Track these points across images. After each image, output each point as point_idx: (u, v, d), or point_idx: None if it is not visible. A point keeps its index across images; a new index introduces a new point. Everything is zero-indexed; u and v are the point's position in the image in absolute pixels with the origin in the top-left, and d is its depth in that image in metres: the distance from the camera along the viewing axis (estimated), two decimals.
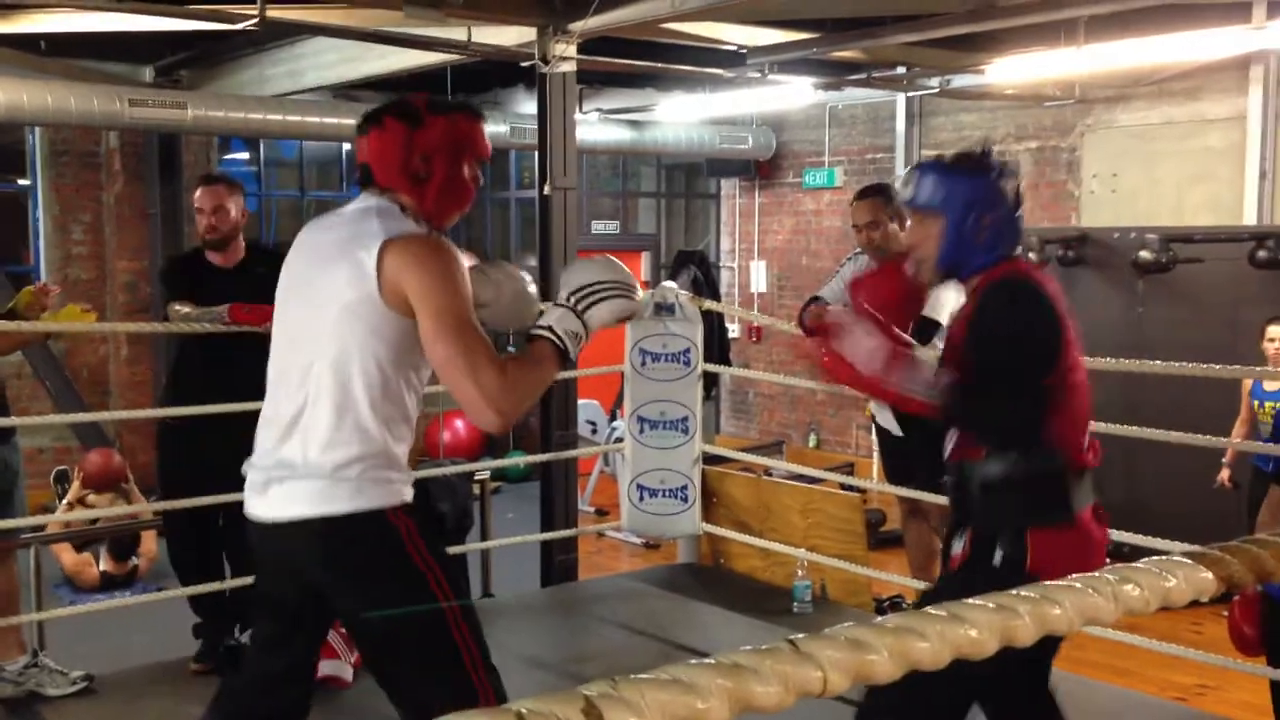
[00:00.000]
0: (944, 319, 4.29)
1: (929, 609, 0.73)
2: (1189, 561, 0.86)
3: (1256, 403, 5.62)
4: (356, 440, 2.22)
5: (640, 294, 2.37)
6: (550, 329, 2.23)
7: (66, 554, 6.68)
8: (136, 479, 9.23)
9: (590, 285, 2.27)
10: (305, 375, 2.26)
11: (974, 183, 2.50)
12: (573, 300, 2.26)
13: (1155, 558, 0.85)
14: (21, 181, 9.24)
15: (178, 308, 4.00)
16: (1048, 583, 0.78)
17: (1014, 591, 0.76)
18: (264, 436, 2.34)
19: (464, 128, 2.37)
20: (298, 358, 2.28)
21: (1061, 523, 2.39)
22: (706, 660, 0.66)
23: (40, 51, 7.71)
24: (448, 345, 2.14)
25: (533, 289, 2.55)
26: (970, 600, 0.75)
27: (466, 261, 2.38)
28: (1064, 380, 2.42)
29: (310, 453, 2.24)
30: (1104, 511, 2.52)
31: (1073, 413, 2.44)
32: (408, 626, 2.24)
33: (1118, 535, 4.20)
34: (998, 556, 2.38)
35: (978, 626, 0.73)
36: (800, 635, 0.70)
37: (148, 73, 8.88)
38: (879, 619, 0.72)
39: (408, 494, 2.30)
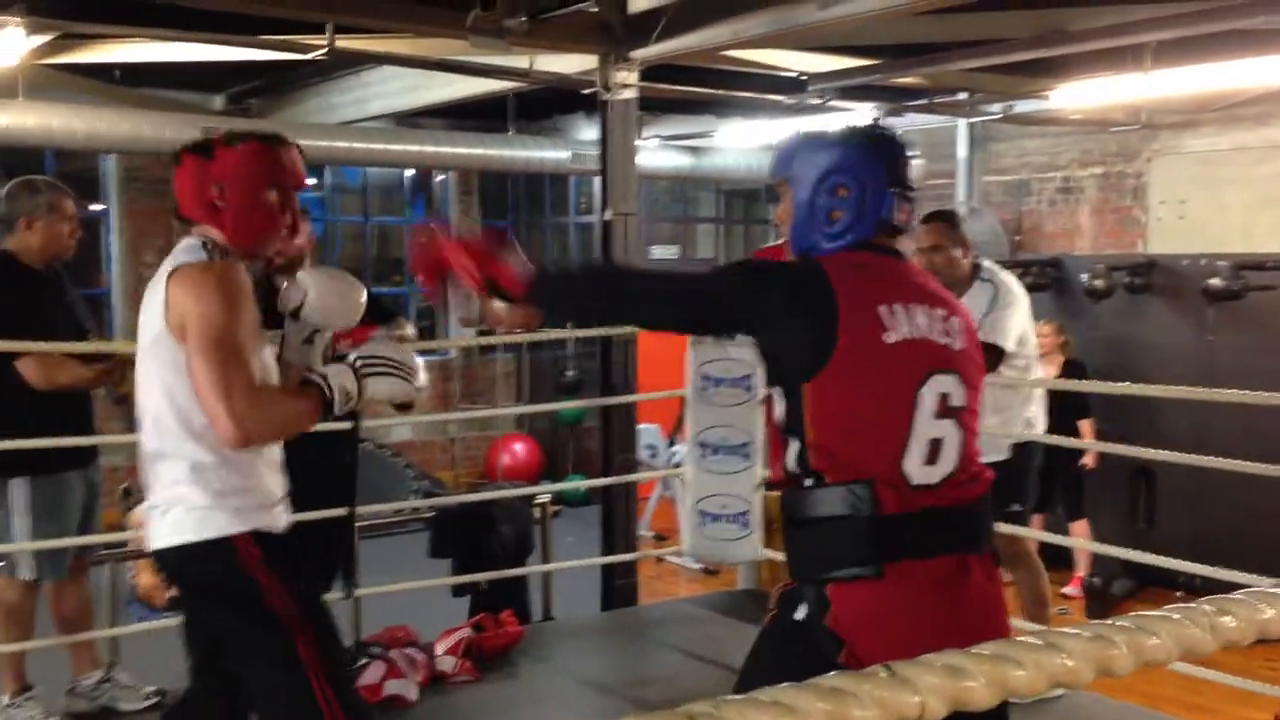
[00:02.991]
0: (1009, 344, 4.25)
1: (1026, 637, 0.72)
2: None
3: None
4: (194, 474, 2.33)
5: (419, 383, 2.46)
6: (324, 377, 2.35)
7: (145, 575, 6.76)
8: None
9: (380, 359, 2.41)
10: (144, 413, 2.42)
11: (829, 151, 2.11)
12: (359, 364, 2.39)
13: (1251, 589, 0.84)
14: (96, 207, 9.48)
15: None
16: (1145, 612, 0.78)
17: (1111, 621, 0.76)
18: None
19: (259, 156, 2.44)
20: (139, 395, 2.45)
21: (864, 576, 1.96)
22: (805, 683, 0.66)
23: (115, 80, 7.92)
24: (202, 363, 2.24)
25: (353, 291, 2.68)
26: (1065, 629, 0.75)
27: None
28: (839, 396, 1.98)
29: (159, 487, 2.40)
30: (975, 565, 2.02)
31: (864, 439, 1.99)
32: (259, 659, 2.38)
33: (1188, 566, 4.14)
34: (801, 611, 2.03)
35: (1074, 656, 0.73)
36: (897, 661, 0.70)
37: (219, 101, 9.08)
38: (974, 647, 0.73)
39: (260, 521, 2.39)
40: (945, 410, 2.02)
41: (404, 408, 2.50)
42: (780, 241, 2.42)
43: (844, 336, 1.96)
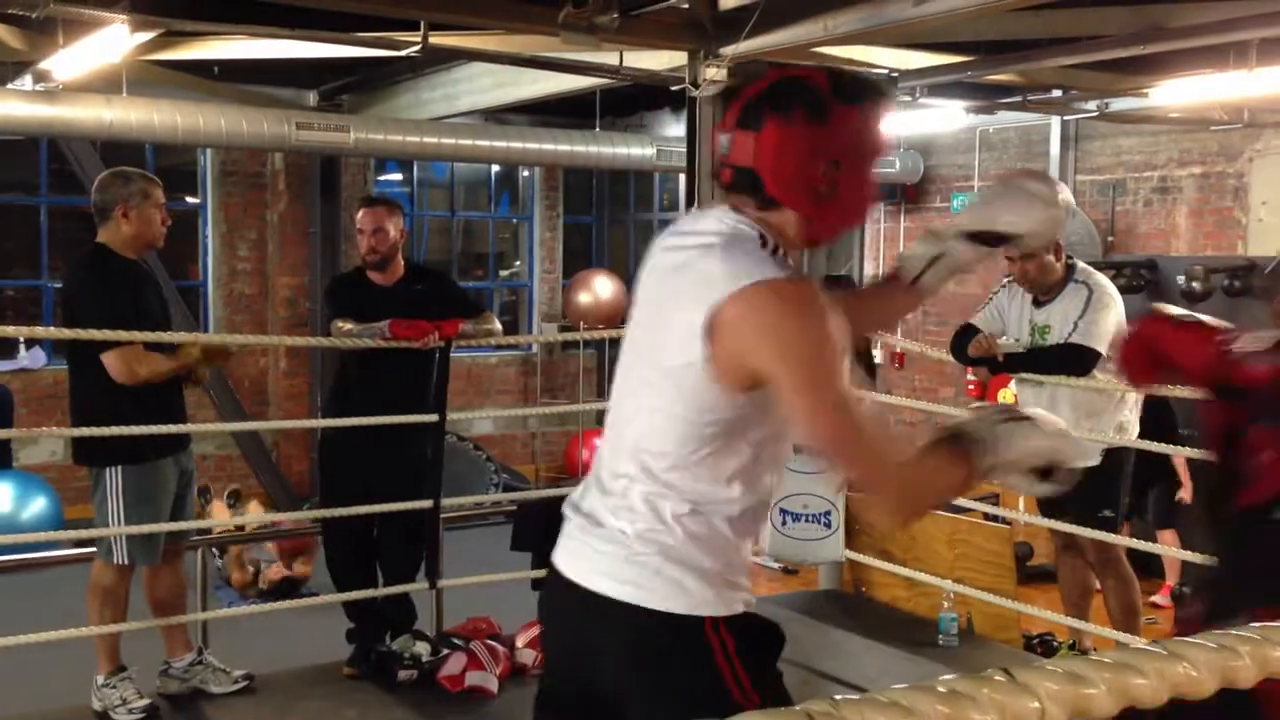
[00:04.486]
0: (1103, 348, 4.16)
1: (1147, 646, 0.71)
2: None
3: None
4: (689, 526, 1.70)
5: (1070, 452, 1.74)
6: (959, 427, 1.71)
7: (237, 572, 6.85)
8: (290, 486, 9.57)
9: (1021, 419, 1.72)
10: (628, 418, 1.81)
11: None
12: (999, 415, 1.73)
13: None
14: (192, 200, 9.72)
15: (341, 324, 4.15)
16: (1268, 624, 0.76)
17: (1234, 631, 0.74)
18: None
19: (877, 120, 1.79)
20: (624, 388, 1.82)
21: None
22: (923, 684, 0.66)
23: (213, 76, 8.12)
24: (816, 425, 1.63)
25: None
26: (1189, 639, 0.73)
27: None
28: None
29: (616, 518, 1.75)
30: None
31: None
32: None
33: None
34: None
35: (1197, 666, 0.71)
36: (1015, 665, 0.69)
37: (311, 97, 9.25)
38: (1094, 653, 0.71)
39: (739, 602, 1.75)
40: None
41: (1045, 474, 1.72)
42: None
43: None
